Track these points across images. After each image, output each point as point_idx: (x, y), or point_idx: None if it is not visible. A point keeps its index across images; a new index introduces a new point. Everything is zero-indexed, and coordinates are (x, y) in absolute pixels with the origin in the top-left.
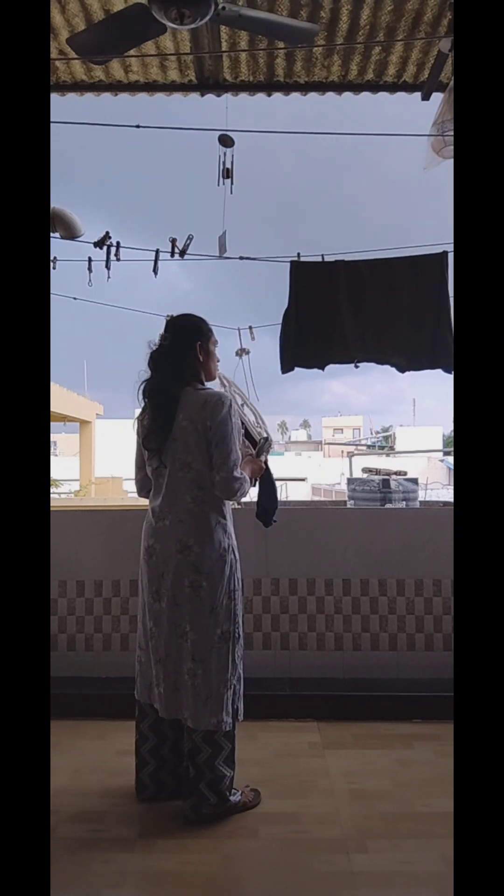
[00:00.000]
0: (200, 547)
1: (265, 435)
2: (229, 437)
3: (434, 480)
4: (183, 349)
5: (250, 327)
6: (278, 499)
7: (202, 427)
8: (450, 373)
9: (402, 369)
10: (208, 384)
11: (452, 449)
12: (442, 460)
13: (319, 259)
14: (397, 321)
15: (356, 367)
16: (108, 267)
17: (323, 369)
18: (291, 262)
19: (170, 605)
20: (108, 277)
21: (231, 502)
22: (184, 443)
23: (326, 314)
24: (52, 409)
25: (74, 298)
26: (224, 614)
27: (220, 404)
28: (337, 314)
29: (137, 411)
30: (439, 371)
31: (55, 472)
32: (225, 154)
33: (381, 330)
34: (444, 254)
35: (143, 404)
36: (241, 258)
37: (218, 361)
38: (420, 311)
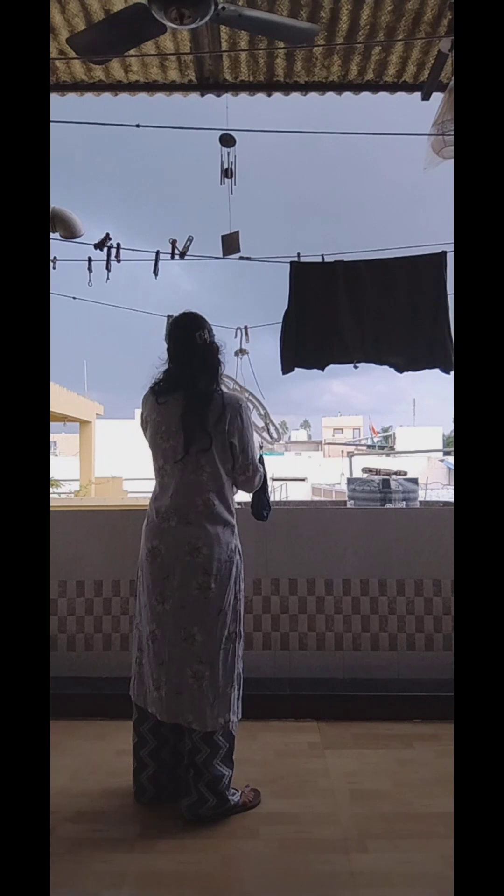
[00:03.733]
0: (210, 549)
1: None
2: (251, 441)
3: (434, 480)
4: (216, 351)
5: (245, 328)
6: (270, 495)
7: (220, 430)
8: (448, 373)
9: (400, 370)
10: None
11: (452, 449)
12: (442, 460)
13: (319, 259)
14: (396, 321)
15: (355, 367)
16: (108, 268)
17: (323, 370)
18: (291, 262)
19: (175, 608)
20: (108, 279)
21: (234, 504)
22: (199, 446)
23: (326, 315)
24: (52, 409)
25: (74, 298)
26: (231, 616)
27: (239, 409)
28: (336, 315)
29: (137, 411)
30: (438, 371)
31: (55, 472)
32: (228, 154)
33: (379, 330)
34: (443, 254)
35: (168, 398)
36: (240, 258)
37: None
38: (418, 312)
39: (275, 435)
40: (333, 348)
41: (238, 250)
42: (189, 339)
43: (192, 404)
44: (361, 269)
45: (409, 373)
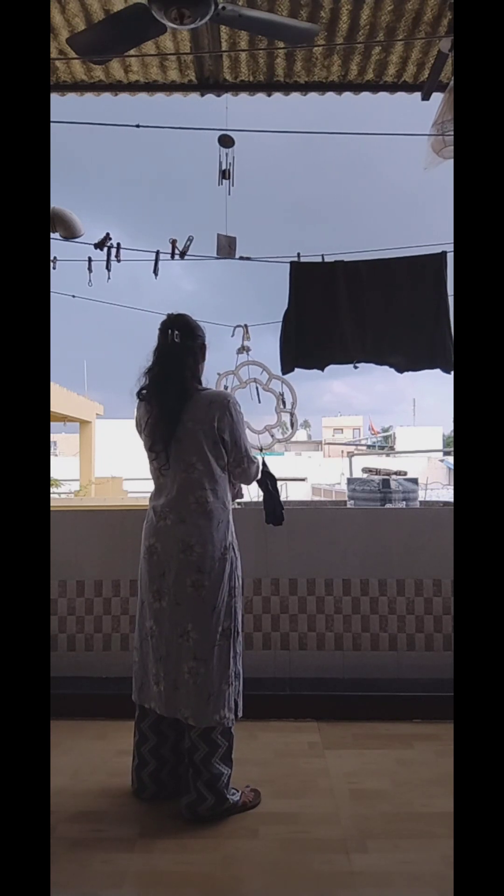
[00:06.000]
0: (202, 546)
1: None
2: (242, 435)
3: (434, 480)
4: (191, 348)
5: (245, 326)
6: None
7: (209, 427)
8: (448, 373)
9: (400, 370)
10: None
11: (452, 449)
12: (442, 460)
13: (319, 259)
14: (396, 321)
15: (355, 367)
16: (108, 268)
17: (323, 370)
18: (291, 262)
19: (171, 605)
20: (108, 279)
21: (231, 503)
22: (188, 444)
23: (326, 315)
24: (52, 409)
25: (73, 296)
26: (225, 612)
27: (226, 404)
28: (336, 315)
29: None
30: (438, 371)
31: (55, 472)
32: (227, 154)
33: (379, 330)
34: (443, 254)
35: (148, 402)
36: (240, 258)
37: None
38: (418, 312)
39: (286, 433)
40: (333, 348)
41: (233, 255)
42: (162, 340)
43: (168, 404)
44: (361, 269)
45: (409, 373)
